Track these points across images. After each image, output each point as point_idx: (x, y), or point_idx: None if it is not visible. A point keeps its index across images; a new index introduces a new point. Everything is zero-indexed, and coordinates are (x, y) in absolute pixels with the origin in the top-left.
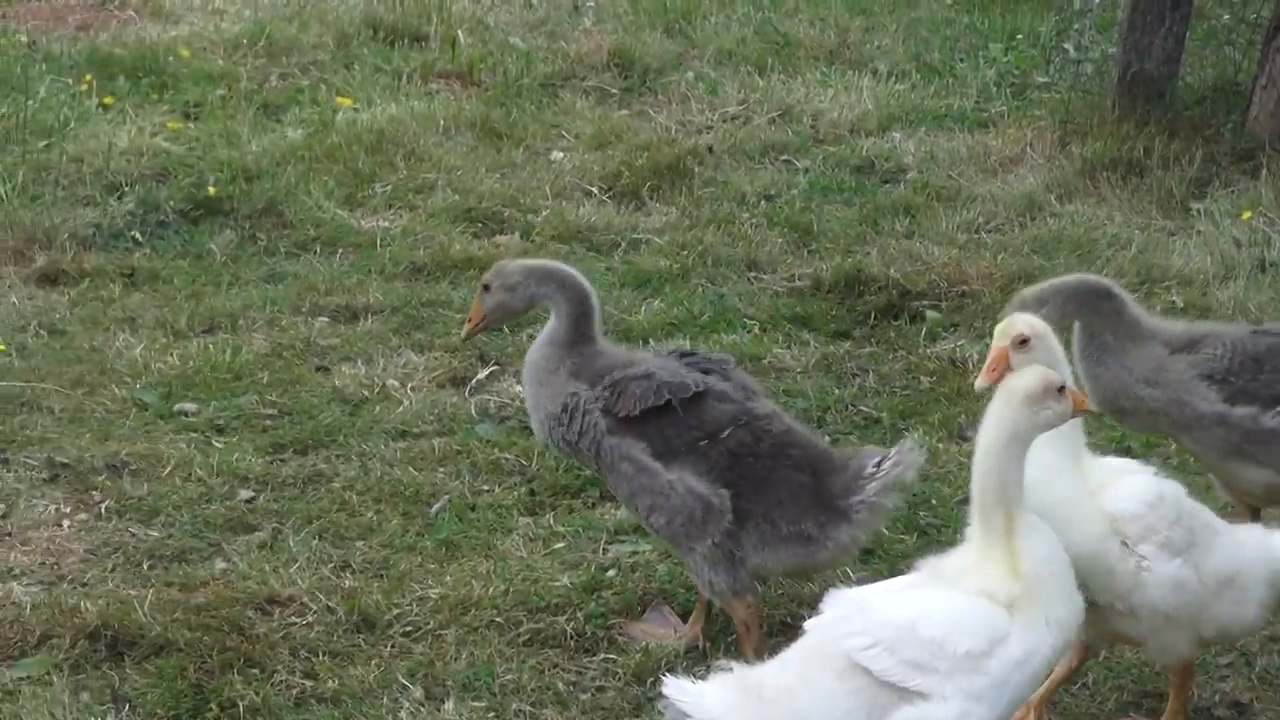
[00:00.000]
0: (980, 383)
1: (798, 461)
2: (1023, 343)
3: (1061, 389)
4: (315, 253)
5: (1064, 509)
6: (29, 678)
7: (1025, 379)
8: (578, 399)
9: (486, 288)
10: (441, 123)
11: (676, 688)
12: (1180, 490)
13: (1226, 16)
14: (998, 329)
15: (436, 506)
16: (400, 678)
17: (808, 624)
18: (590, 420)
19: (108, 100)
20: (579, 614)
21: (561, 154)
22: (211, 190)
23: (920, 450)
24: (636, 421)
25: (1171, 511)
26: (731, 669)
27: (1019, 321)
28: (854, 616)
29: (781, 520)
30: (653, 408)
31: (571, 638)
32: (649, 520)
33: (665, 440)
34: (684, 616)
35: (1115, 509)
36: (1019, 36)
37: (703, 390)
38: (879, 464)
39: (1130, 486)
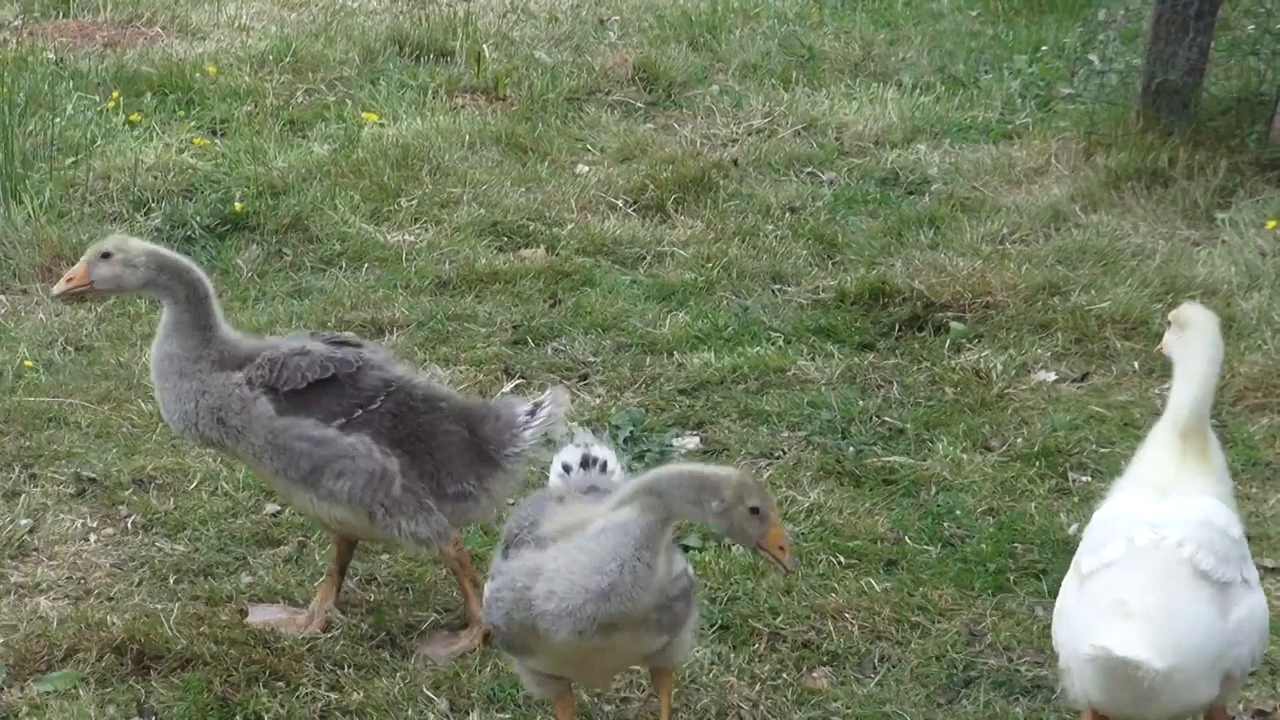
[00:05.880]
0: None
1: (450, 414)
2: None
3: None
4: (341, 267)
5: None
6: (55, 691)
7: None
8: (240, 387)
9: (106, 255)
10: (467, 137)
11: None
12: None
13: (1251, 27)
14: None
15: None
16: (425, 690)
17: (1088, 563)
18: (259, 407)
19: (135, 117)
20: None
21: (587, 168)
22: (238, 206)
23: (566, 397)
24: (299, 399)
25: None
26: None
27: None
28: (1177, 528)
29: (447, 479)
30: (310, 384)
31: None
32: (335, 487)
33: (329, 413)
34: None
35: None
36: (1044, 48)
37: (361, 364)
38: (532, 411)
39: None
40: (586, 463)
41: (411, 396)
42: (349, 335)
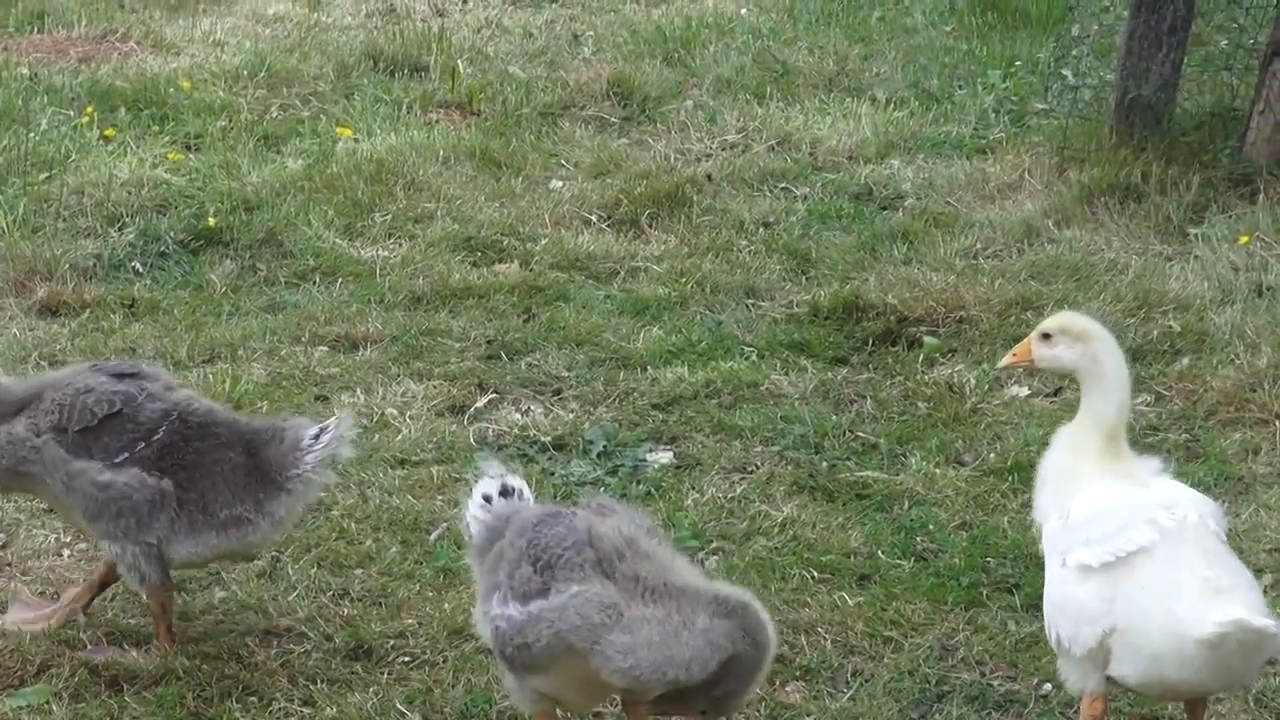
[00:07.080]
0: None
1: (228, 440)
2: None
3: None
4: (315, 282)
5: None
6: (29, 707)
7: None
8: (28, 439)
9: None
10: (441, 152)
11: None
12: None
13: (1224, 42)
14: None
15: (435, 534)
16: (398, 705)
17: (1100, 553)
18: (49, 451)
19: (109, 132)
20: None
21: (560, 183)
22: (212, 221)
23: (352, 422)
24: (84, 436)
25: None
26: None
27: None
28: (1188, 506)
29: (216, 505)
30: (90, 424)
31: None
32: (110, 528)
33: (109, 450)
34: None
35: None
36: (1017, 63)
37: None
38: (317, 435)
39: None
40: (506, 491)
41: (186, 424)
42: (131, 364)
